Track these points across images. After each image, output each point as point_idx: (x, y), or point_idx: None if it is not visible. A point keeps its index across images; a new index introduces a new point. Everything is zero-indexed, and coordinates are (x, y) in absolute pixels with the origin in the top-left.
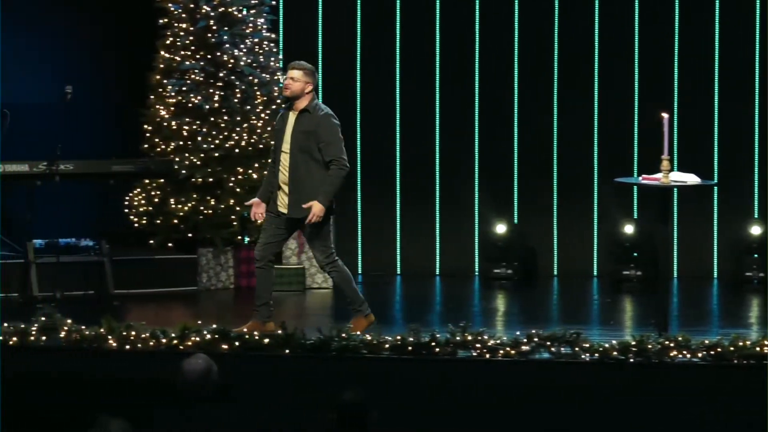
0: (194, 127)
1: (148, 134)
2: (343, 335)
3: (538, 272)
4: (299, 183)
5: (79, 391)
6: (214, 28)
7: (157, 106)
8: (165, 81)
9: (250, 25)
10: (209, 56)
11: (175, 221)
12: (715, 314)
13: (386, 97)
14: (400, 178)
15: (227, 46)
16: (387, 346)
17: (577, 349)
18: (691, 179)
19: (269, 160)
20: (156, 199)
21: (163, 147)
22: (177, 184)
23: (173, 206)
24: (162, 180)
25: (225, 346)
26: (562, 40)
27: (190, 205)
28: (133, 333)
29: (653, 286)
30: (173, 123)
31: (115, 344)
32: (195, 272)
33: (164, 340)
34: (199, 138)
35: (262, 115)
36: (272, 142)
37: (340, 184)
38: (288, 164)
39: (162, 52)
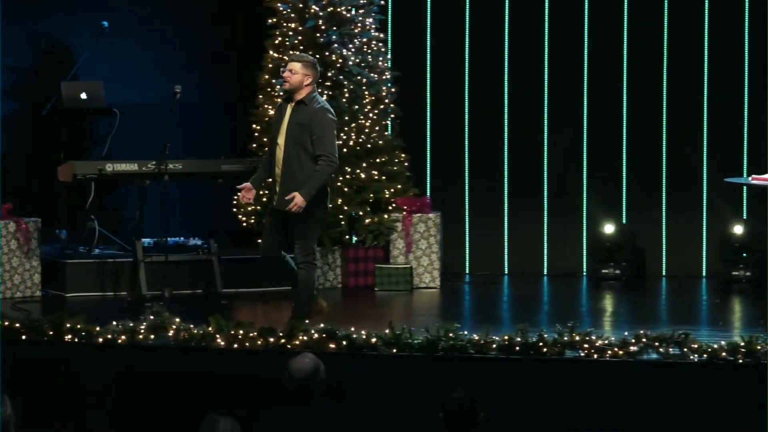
0: None
1: (256, 133)
2: (451, 335)
3: (647, 272)
4: (290, 176)
5: (187, 390)
6: (323, 27)
7: (266, 106)
8: (274, 80)
9: (359, 24)
10: (318, 56)
11: None
12: None
13: (494, 95)
14: (507, 177)
15: (336, 45)
16: (494, 346)
17: (685, 349)
18: None
19: (264, 155)
20: (264, 199)
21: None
22: None
23: None
24: (270, 179)
25: (332, 346)
26: (671, 39)
27: None
28: (241, 332)
29: (763, 286)
30: None
31: (223, 343)
32: None
33: (272, 339)
34: None
35: (370, 115)
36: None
37: (326, 179)
38: (282, 156)
39: (271, 52)
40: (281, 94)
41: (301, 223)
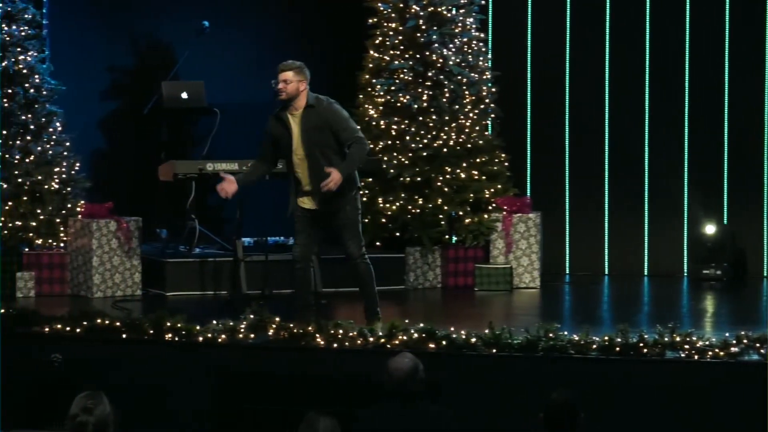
0: (403, 126)
1: None
2: (551, 335)
3: (748, 273)
4: (323, 177)
5: (287, 389)
6: (424, 27)
7: (366, 106)
8: (374, 80)
9: (459, 24)
10: (418, 56)
11: (383, 220)
12: None
13: (595, 94)
14: (608, 176)
15: (436, 45)
16: (594, 346)
17: None
18: None
19: (255, 159)
20: (364, 198)
21: (371, 146)
22: (385, 183)
23: (381, 205)
24: (370, 179)
25: (432, 345)
26: None
27: (398, 204)
28: (341, 331)
29: None
30: (382, 122)
31: (322, 342)
32: (402, 271)
33: (371, 339)
34: (408, 137)
35: (471, 115)
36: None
37: (361, 159)
38: (307, 166)
39: (371, 52)
40: (380, 93)
41: (345, 214)
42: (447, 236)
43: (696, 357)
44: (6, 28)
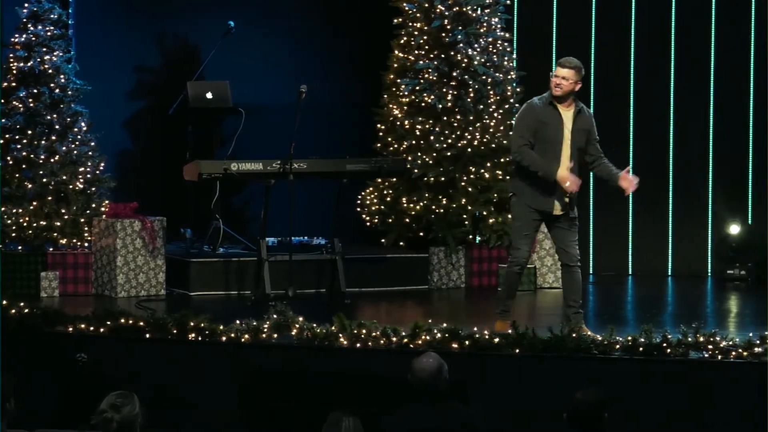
0: (427, 126)
1: (381, 133)
2: (575, 335)
3: None
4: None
5: (310, 389)
6: (449, 27)
7: (391, 105)
8: (399, 80)
9: (485, 24)
10: (443, 55)
11: (408, 220)
12: None
13: (620, 96)
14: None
15: (461, 45)
16: (618, 346)
17: None
18: None
19: (532, 152)
20: (389, 198)
21: (396, 146)
22: (410, 182)
23: (406, 205)
24: (395, 179)
25: (455, 345)
26: None
27: (422, 204)
28: (365, 331)
29: None
30: (407, 122)
31: (346, 342)
32: (426, 271)
33: (395, 339)
34: (432, 137)
35: (495, 115)
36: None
37: None
38: (567, 159)
39: (396, 52)
40: (405, 93)
41: (575, 219)
42: (471, 236)
43: (720, 357)
44: (32, 28)
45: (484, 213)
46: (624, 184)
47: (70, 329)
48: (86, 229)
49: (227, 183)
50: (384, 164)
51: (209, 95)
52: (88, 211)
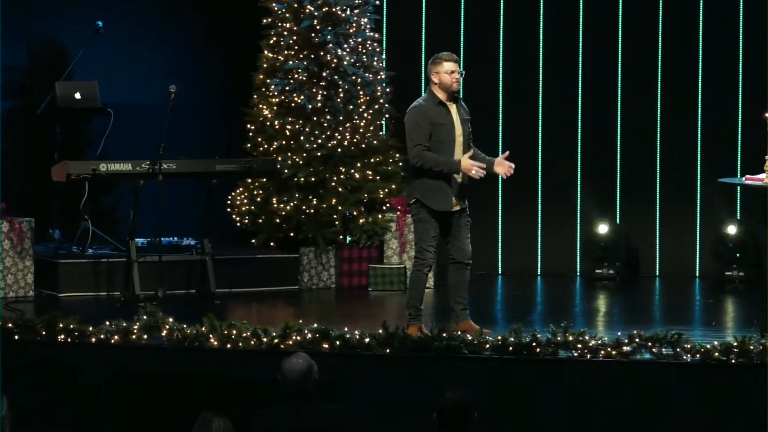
0: (297, 126)
1: (251, 134)
2: (444, 335)
3: (641, 273)
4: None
5: (180, 389)
6: (318, 27)
7: (261, 106)
8: (268, 80)
9: (354, 24)
10: (313, 56)
11: (278, 220)
12: None
13: (490, 93)
14: (502, 177)
15: (331, 45)
16: (488, 346)
17: (678, 350)
18: None
19: (431, 153)
20: (259, 199)
21: (266, 146)
22: (280, 183)
23: (276, 205)
24: (265, 179)
25: (326, 346)
26: (665, 44)
27: (292, 204)
28: (235, 332)
29: (756, 287)
30: (276, 122)
31: (216, 343)
32: (297, 271)
33: (265, 339)
34: (302, 137)
35: (365, 115)
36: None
37: None
38: (462, 155)
39: (266, 52)
40: (275, 93)
41: (467, 212)
42: (341, 236)
43: (588, 356)
44: None
45: (355, 213)
46: (499, 169)
47: None
48: None
49: (96, 183)
50: (254, 164)
51: (78, 95)
52: None
